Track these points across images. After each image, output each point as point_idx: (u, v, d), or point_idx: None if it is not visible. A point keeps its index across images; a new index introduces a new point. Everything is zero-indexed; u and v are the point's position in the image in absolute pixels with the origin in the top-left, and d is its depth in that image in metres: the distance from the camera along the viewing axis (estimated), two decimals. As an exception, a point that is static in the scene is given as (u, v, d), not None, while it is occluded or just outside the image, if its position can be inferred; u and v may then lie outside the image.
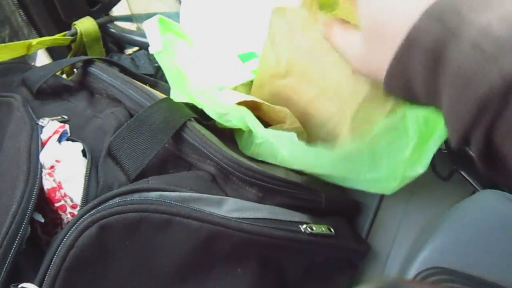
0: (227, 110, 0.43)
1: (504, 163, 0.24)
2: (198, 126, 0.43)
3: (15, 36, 0.78)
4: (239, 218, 0.38)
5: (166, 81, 0.68)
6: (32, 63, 0.77)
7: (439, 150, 0.48)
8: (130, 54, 0.77)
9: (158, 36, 0.46)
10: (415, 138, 0.40)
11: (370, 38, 0.30)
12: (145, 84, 0.55)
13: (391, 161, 0.41)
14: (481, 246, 0.37)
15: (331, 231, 0.44)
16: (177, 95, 0.47)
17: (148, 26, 0.47)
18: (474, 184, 0.46)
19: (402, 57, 0.27)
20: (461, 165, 0.47)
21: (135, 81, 0.51)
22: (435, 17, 0.25)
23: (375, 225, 0.55)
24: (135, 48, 0.78)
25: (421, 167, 0.40)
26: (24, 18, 0.77)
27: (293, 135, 0.40)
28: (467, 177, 0.46)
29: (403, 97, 0.30)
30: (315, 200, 0.46)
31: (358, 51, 0.32)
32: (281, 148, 0.42)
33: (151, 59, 0.74)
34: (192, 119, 0.44)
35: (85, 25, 0.63)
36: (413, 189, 0.49)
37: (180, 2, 0.60)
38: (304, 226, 0.42)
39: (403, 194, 0.46)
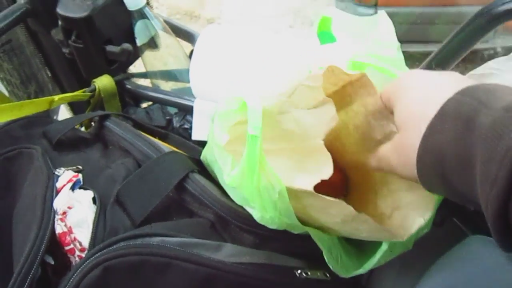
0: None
1: None
2: (199, 177, 0.46)
3: (40, 91, 0.85)
4: (235, 263, 0.40)
5: (177, 132, 0.73)
6: (55, 116, 0.83)
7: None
8: (145, 108, 0.82)
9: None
10: None
11: (405, 127, 0.34)
12: (155, 137, 0.59)
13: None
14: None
15: (327, 276, 0.46)
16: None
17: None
18: (466, 230, 0.47)
19: (433, 130, 0.31)
20: (453, 211, 0.48)
21: (145, 134, 0.55)
22: (467, 94, 0.30)
23: (374, 272, 0.55)
24: (150, 102, 0.84)
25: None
26: (49, 75, 0.84)
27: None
28: (459, 224, 0.48)
29: (436, 176, 0.32)
30: (311, 247, 0.48)
31: (395, 146, 0.36)
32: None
33: (164, 112, 0.79)
34: (195, 170, 0.47)
35: (103, 82, 0.68)
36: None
37: (190, 60, 0.65)
38: (299, 271, 0.44)
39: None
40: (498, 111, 0.27)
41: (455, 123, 0.29)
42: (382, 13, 0.48)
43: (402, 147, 0.34)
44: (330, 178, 0.46)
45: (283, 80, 0.43)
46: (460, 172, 0.29)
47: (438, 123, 0.30)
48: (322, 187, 0.45)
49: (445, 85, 0.33)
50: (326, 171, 0.37)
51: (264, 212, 0.38)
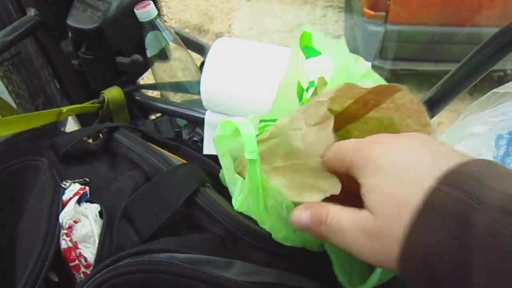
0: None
1: None
2: (210, 191, 0.45)
3: (48, 104, 0.84)
4: (246, 281, 0.39)
5: (186, 145, 0.72)
6: (62, 128, 0.83)
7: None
8: (153, 119, 0.82)
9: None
10: None
11: (380, 210, 0.29)
12: (164, 149, 0.58)
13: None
14: None
15: (340, 299, 0.44)
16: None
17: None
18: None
19: (420, 225, 0.26)
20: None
21: (154, 146, 0.54)
22: (454, 185, 0.26)
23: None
24: (159, 113, 0.83)
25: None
26: (58, 87, 0.84)
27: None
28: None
29: (423, 278, 0.27)
30: (325, 268, 0.46)
31: (365, 229, 0.30)
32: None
33: (172, 124, 0.78)
34: (207, 184, 0.46)
35: (113, 93, 0.67)
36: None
37: (201, 72, 0.64)
38: (312, 292, 0.42)
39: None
40: (494, 210, 0.24)
41: (445, 222, 0.25)
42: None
43: (378, 234, 0.29)
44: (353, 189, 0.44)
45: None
46: (455, 280, 0.25)
47: (425, 218, 0.26)
48: (345, 198, 0.44)
49: (422, 161, 0.28)
50: (335, 187, 0.36)
51: (276, 232, 0.38)
